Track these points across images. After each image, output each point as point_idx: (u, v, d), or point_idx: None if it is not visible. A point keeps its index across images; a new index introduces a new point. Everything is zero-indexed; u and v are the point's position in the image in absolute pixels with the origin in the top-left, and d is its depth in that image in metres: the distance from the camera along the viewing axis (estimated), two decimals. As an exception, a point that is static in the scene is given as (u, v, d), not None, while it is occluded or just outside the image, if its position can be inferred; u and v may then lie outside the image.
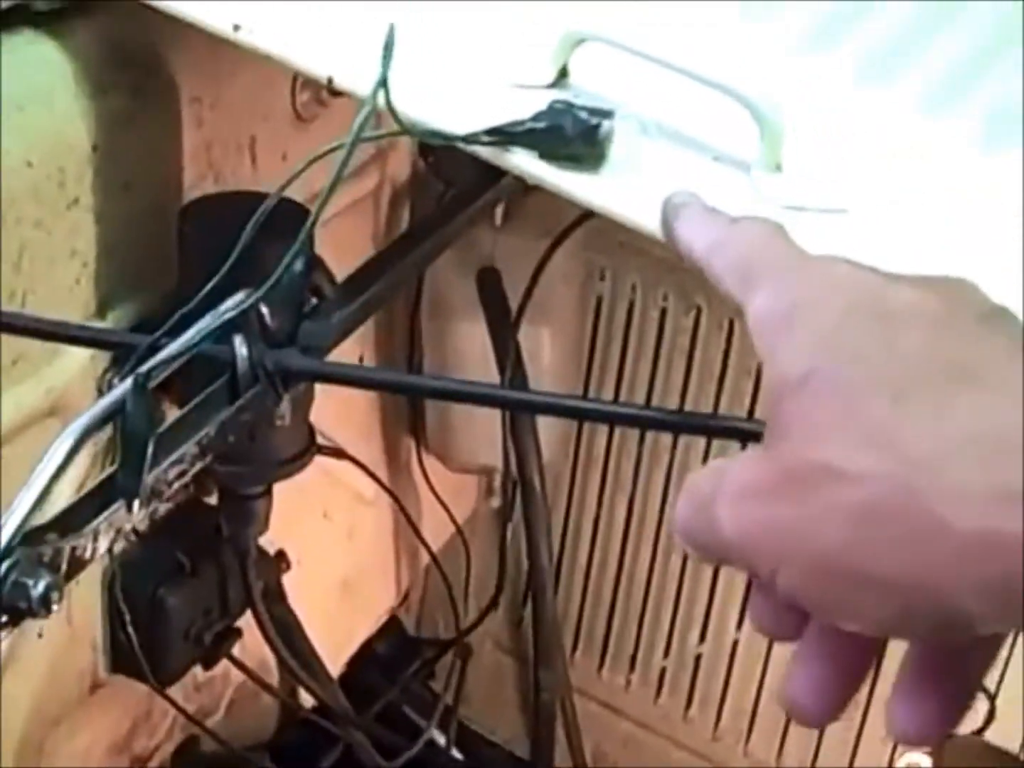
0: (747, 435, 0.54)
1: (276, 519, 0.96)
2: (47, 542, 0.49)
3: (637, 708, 1.42)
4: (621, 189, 0.60)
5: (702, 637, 1.37)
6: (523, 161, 0.61)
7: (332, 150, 0.59)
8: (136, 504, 0.52)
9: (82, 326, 0.71)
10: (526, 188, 1.11)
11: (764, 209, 0.60)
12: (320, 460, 1.09)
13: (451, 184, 1.06)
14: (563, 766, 1.40)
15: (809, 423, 0.38)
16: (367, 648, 1.31)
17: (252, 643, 1.05)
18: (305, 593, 1.09)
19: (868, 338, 0.39)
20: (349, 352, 1.19)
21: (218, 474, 0.85)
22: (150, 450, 0.52)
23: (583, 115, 0.60)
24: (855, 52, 0.71)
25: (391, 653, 1.37)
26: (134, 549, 0.89)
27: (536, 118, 0.61)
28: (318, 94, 0.98)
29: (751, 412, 1.23)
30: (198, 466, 0.57)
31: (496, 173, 0.92)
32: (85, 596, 0.88)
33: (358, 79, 0.65)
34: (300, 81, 0.97)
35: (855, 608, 0.38)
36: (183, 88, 0.85)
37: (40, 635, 0.83)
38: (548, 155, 0.61)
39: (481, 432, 1.18)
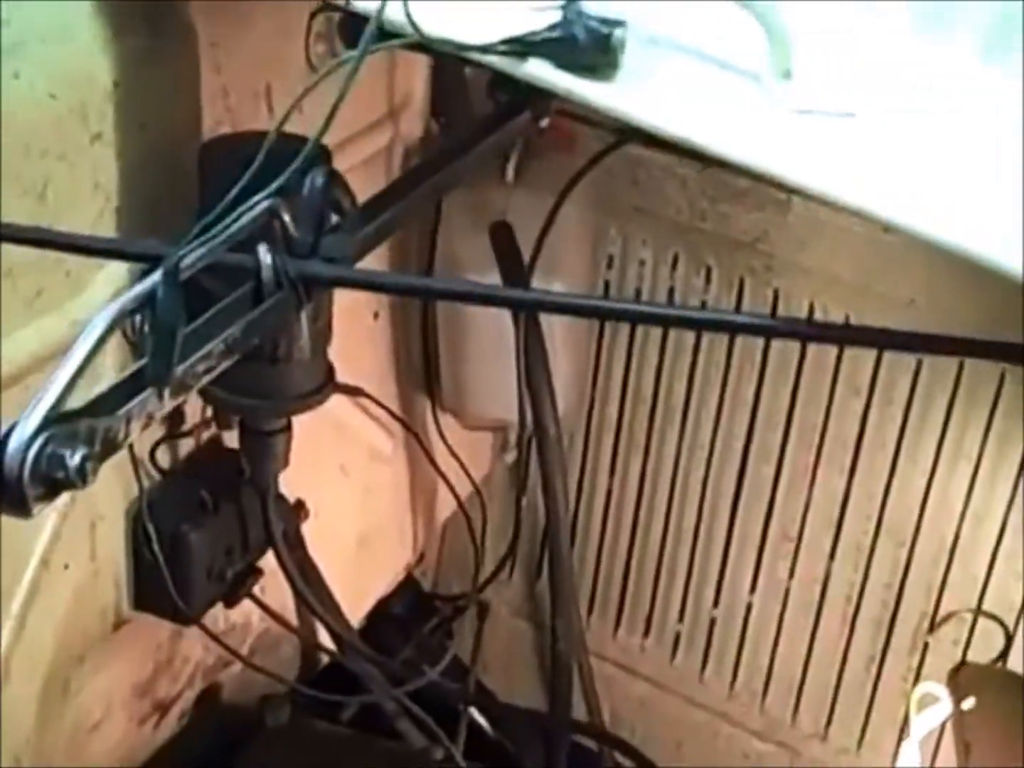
0: (764, 331, 0.55)
1: (294, 471, 0.98)
2: (81, 422, 0.50)
3: (653, 669, 1.43)
4: (634, 95, 0.62)
5: (716, 601, 1.38)
6: (539, 70, 0.63)
7: (344, 61, 0.60)
8: (167, 392, 0.54)
9: (112, 239, 0.72)
10: (535, 143, 1.14)
11: (776, 113, 0.62)
12: (337, 414, 1.11)
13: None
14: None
15: None
16: (384, 607, 1.32)
17: (271, 594, 1.06)
18: (322, 547, 1.10)
19: None
20: (364, 308, 1.20)
21: (239, 408, 0.87)
22: (179, 339, 0.53)
23: (595, 24, 0.62)
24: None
25: (408, 612, 1.38)
26: (158, 488, 0.90)
27: (551, 28, 0.62)
28: (331, 46, 1.00)
29: (763, 365, 1.24)
30: (224, 365, 0.59)
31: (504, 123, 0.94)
32: (109, 532, 0.89)
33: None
34: (314, 33, 0.99)
35: None
36: (201, 33, 0.87)
37: (66, 566, 0.84)
38: (563, 64, 0.62)
39: (495, 387, 1.19)
